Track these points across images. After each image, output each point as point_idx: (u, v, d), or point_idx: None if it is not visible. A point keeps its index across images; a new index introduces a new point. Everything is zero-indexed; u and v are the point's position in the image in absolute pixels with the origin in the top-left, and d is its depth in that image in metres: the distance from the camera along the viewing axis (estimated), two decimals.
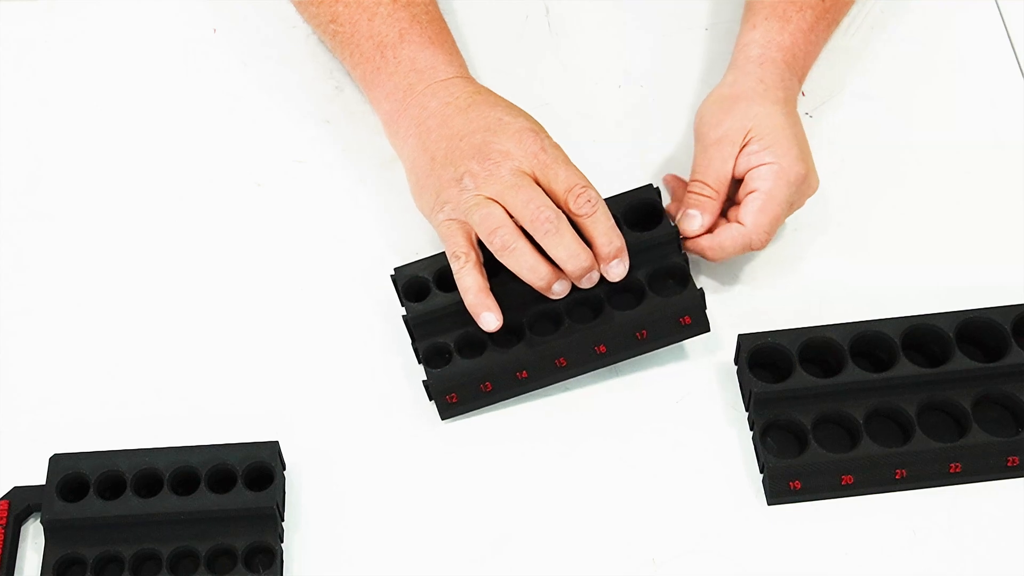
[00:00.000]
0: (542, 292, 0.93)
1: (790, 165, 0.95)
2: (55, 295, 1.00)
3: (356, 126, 1.07)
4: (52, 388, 0.96)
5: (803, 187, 0.97)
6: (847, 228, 1.02)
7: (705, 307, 0.94)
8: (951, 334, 0.93)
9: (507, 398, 0.95)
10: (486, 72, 1.09)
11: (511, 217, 0.92)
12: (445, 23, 1.03)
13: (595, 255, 0.93)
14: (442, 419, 0.94)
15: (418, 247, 1.00)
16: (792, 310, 0.98)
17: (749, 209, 0.95)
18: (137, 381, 0.96)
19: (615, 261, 0.93)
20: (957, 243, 1.01)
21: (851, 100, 1.08)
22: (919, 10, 1.13)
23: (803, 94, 1.08)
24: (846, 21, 1.11)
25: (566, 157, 0.94)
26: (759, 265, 1.01)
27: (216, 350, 0.98)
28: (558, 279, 0.92)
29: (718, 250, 0.96)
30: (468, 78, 1.00)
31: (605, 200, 0.95)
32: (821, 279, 1.00)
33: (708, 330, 0.95)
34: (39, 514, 0.89)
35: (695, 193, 0.97)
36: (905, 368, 0.92)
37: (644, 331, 0.94)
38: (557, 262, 0.92)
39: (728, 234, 0.96)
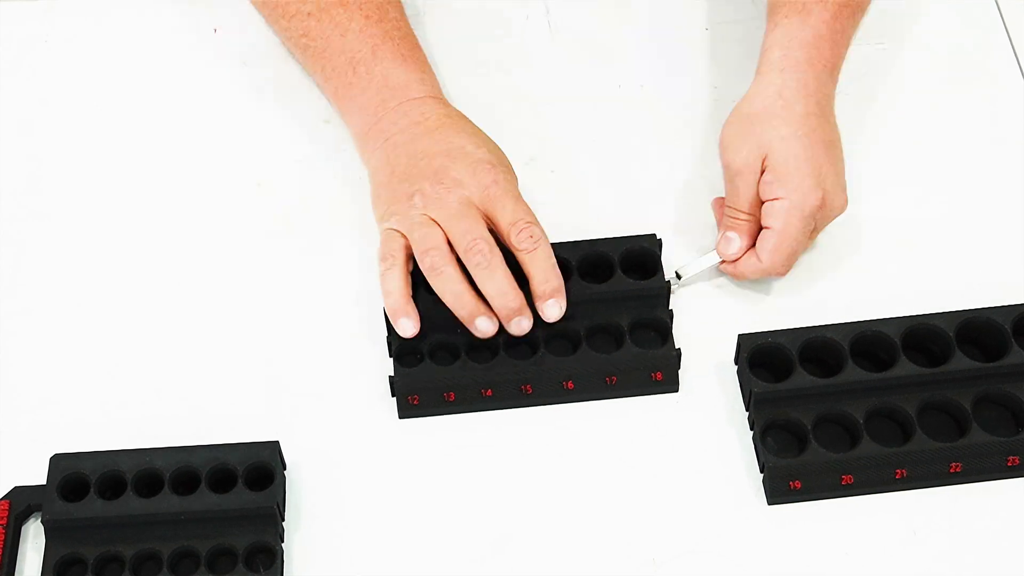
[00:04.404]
0: (466, 325, 0.92)
1: (803, 198, 0.94)
2: (55, 295, 1.00)
3: None
4: (52, 388, 0.96)
5: (824, 212, 0.95)
6: (847, 228, 1.02)
7: (679, 367, 0.95)
8: (951, 334, 0.93)
9: (469, 411, 0.94)
10: (486, 72, 1.09)
11: (450, 244, 0.92)
12: (416, 40, 1.03)
13: (532, 292, 0.92)
14: (400, 418, 0.94)
15: None
16: (792, 310, 0.98)
17: (764, 247, 0.95)
18: (137, 381, 0.96)
19: (551, 301, 0.92)
20: (957, 243, 1.01)
21: (851, 100, 1.08)
22: (919, 9, 1.13)
23: None
24: None
25: (517, 193, 0.94)
26: None
27: (216, 350, 0.97)
28: (483, 315, 0.92)
29: (743, 277, 0.98)
30: (440, 99, 1.00)
31: (607, 241, 0.96)
32: (821, 279, 1.00)
33: (677, 390, 0.95)
34: (39, 514, 0.89)
35: (731, 217, 0.97)
36: (905, 368, 0.92)
37: (614, 377, 0.94)
38: (486, 297, 0.92)
39: (748, 266, 0.97)
